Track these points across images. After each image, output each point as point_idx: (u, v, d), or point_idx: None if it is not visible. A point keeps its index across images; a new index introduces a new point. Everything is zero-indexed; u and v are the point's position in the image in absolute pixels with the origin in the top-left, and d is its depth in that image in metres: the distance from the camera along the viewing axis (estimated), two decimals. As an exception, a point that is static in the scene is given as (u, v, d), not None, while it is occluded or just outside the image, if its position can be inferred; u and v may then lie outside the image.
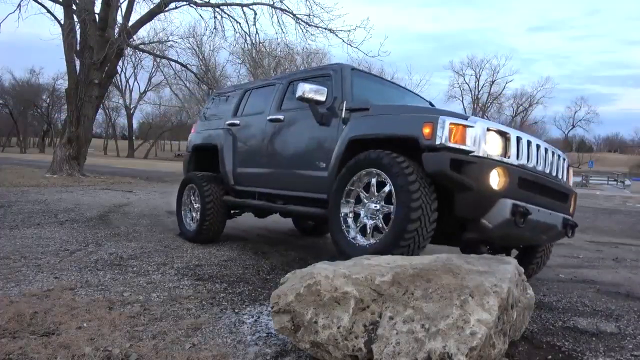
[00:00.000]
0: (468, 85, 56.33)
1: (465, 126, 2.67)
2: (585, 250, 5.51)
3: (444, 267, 1.98)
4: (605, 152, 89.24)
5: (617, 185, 34.93)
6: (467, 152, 2.64)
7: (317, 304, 1.91)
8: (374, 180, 2.90)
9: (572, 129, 65.83)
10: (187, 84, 30.69)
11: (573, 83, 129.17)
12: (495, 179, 2.62)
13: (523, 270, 2.28)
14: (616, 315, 2.88)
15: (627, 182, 34.78)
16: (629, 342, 2.39)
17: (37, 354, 1.85)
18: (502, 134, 2.77)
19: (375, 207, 2.88)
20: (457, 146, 2.63)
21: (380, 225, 2.82)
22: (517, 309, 2.00)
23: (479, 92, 56.09)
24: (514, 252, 3.69)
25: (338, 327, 1.83)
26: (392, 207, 2.73)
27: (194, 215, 4.75)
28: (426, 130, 2.72)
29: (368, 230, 2.90)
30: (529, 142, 2.89)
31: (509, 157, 2.75)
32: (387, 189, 2.81)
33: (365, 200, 2.96)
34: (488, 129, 2.71)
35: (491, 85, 55.48)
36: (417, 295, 1.83)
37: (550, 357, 2.16)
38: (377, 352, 1.74)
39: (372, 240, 2.85)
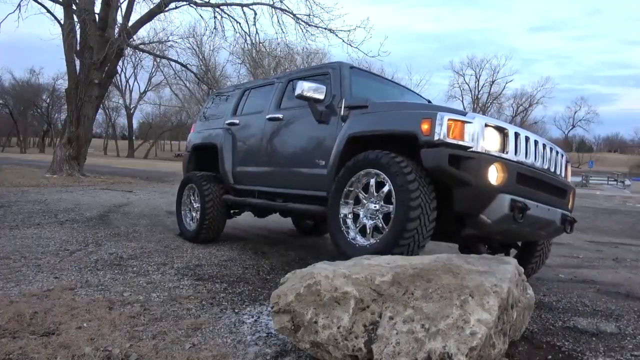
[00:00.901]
0: (468, 85, 56.45)
1: (463, 122, 2.67)
2: (585, 250, 5.50)
3: (444, 267, 1.97)
4: (605, 152, 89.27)
5: (617, 185, 34.90)
6: (466, 148, 2.64)
7: (317, 304, 1.91)
8: (372, 181, 2.90)
9: (572, 129, 65.99)
10: (187, 84, 30.71)
11: (573, 83, 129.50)
12: (494, 175, 2.63)
13: (523, 269, 2.28)
14: (616, 315, 2.88)
15: (627, 182, 34.70)
16: (629, 342, 2.38)
17: (37, 354, 1.85)
18: (500, 129, 2.77)
19: (375, 207, 2.88)
20: (455, 142, 2.64)
21: (380, 225, 2.82)
22: (517, 309, 2.00)
23: (479, 92, 56.17)
24: (513, 251, 3.69)
25: (338, 327, 1.83)
26: (391, 206, 2.73)
27: (194, 215, 4.75)
28: (424, 126, 2.72)
29: (368, 231, 2.89)
30: (527, 138, 2.89)
31: (507, 153, 2.75)
32: (386, 188, 2.81)
33: (365, 201, 2.96)
34: (486, 125, 2.71)
35: (491, 85, 55.60)
36: (417, 295, 1.83)
37: (550, 357, 2.16)
38: (377, 352, 1.74)
39: (372, 240, 2.85)
